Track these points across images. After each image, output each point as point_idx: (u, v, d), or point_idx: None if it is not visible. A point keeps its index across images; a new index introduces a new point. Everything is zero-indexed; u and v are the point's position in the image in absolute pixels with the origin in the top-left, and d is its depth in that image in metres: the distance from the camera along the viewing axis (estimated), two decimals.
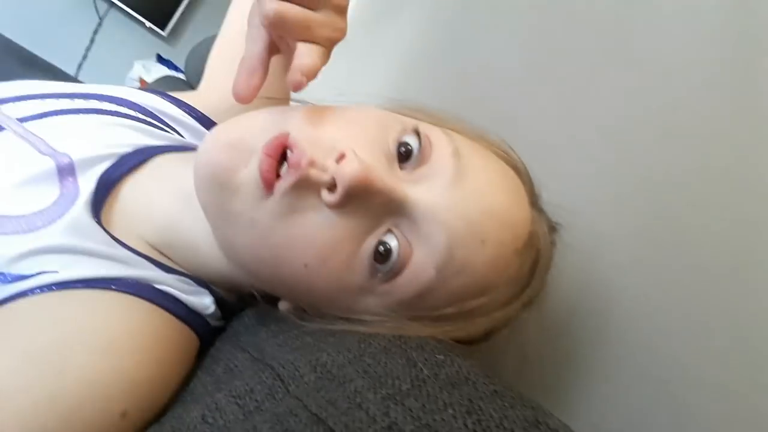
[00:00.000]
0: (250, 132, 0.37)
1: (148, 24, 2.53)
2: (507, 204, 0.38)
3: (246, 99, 0.36)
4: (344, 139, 0.36)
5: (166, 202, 0.44)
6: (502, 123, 0.45)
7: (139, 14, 2.50)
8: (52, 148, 0.43)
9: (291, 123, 0.37)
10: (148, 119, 0.51)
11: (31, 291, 0.36)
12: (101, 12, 2.50)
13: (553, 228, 0.43)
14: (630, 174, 0.50)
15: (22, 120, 0.44)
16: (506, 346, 0.43)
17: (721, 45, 0.47)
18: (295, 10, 0.33)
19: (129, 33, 2.58)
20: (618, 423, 0.43)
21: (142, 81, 2.34)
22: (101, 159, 0.44)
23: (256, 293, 0.43)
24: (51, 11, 2.41)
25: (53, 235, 0.39)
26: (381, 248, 0.36)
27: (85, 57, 2.49)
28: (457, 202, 0.36)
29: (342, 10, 0.36)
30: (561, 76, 0.63)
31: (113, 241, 0.41)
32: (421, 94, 0.46)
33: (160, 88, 0.81)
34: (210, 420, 0.31)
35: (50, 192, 0.41)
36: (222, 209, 0.38)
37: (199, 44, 1.79)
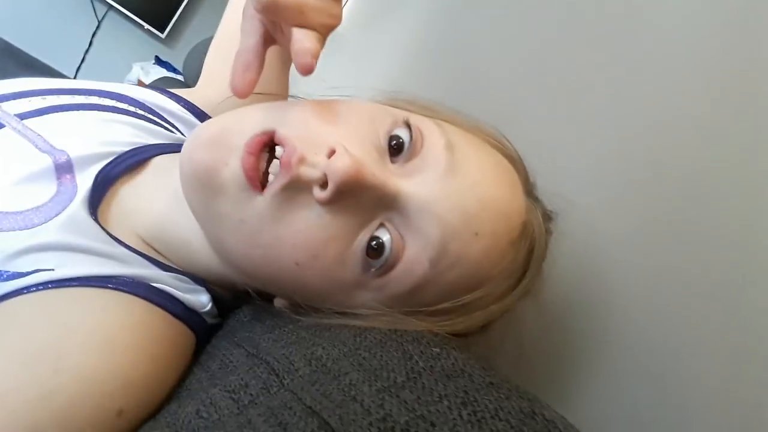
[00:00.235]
0: (231, 129, 0.37)
1: (146, 26, 2.54)
2: (501, 195, 0.38)
3: (243, 93, 0.35)
4: (334, 134, 0.36)
5: (161, 201, 0.44)
6: (502, 116, 0.45)
7: (138, 16, 2.51)
8: (50, 145, 0.43)
9: (277, 119, 0.37)
10: (148, 115, 0.51)
11: (27, 289, 0.36)
12: (100, 15, 2.51)
13: (548, 216, 0.42)
14: (630, 165, 0.50)
15: (21, 116, 0.44)
16: (503, 338, 0.42)
17: (722, 40, 0.46)
18: None
19: (127, 35, 2.58)
20: (616, 416, 0.43)
21: (140, 83, 2.35)
22: (99, 157, 0.44)
23: (250, 291, 0.43)
24: (50, 14, 2.41)
25: (50, 232, 0.38)
26: (374, 243, 0.36)
27: (83, 59, 2.50)
28: (450, 195, 0.35)
29: None
30: (560, 70, 0.63)
31: (110, 238, 0.41)
32: (420, 89, 0.46)
33: None
34: (204, 414, 0.31)
35: (47, 189, 0.41)
36: (209, 210, 0.38)
37: (197, 46, 1.79)
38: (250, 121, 0.37)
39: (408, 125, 0.38)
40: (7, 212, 0.38)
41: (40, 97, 0.47)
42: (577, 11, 0.64)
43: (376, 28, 1.20)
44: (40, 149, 0.42)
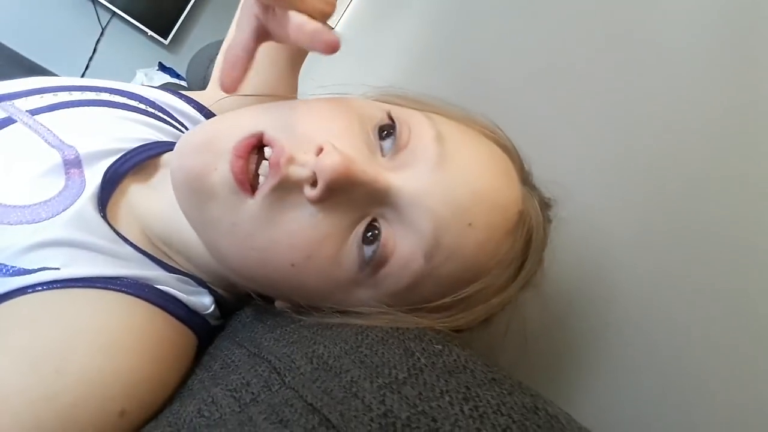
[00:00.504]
0: (220, 134, 0.37)
1: (150, 33, 2.55)
2: (495, 185, 0.37)
3: (230, 89, 0.35)
4: (322, 132, 0.36)
5: (166, 202, 0.44)
6: (505, 114, 0.45)
7: (141, 23, 2.52)
8: (60, 140, 0.43)
9: (266, 121, 0.37)
10: (158, 113, 0.52)
11: (31, 288, 0.36)
12: (103, 21, 2.53)
13: (546, 204, 0.42)
14: (632, 158, 0.50)
15: (33, 112, 0.44)
16: (506, 334, 0.42)
17: (723, 35, 0.46)
18: None
19: (131, 42, 2.60)
20: (619, 413, 0.43)
21: None
22: (108, 153, 0.44)
23: (252, 293, 0.43)
24: (54, 22, 2.43)
25: (57, 227, 0.38)
26: (369, 234, 0.35)
27: (88, 66, 2.52)
28: (441, 186, 0.35)
29: None
30: (563, 68, 0.63)
31: (117, 237, 0.41)
32: (422, 89, 0.46)
33: None
34: (206, 413, 0.31)
35: (56, 184, 0.41)
36: (201, 215, 0.38)
37: (199, 51, 1.80)
38: (239, 124, 0.37)
39: (391, 118, 0.38)
40: (15, 206, 0.38)
41: (51, 93, 0.47)
42: (580, 8, 0.64)
43: (379, 29, 1.21)
44: (50, 144, 0.42)
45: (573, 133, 0.58)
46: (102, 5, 2.45)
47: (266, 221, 0.35)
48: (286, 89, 0.59)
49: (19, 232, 0.37)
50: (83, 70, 2.51)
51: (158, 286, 0.40)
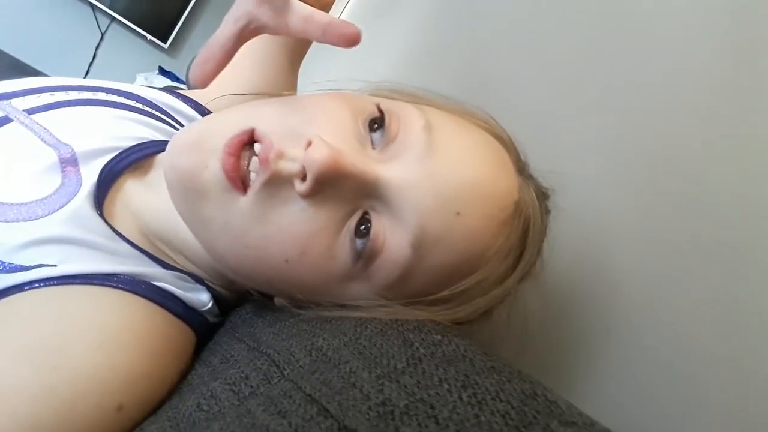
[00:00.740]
0: (211, 132, 0.37)
1: (149, 37, 2.56)
2: (487, 174, 0.37)
3: (200, 85, 0.35)
4: (311, 126, 0.36)
5: (162, 201, 0.44)
6: (506, 112, 0.44)
7: (141, 28, 2.53)
8: (56, 139, 0.43)
9: (256, 117, 0.37)
10: (155, 113, 0.52)
11: (29, 284, 0.36)
12: (103, 27, 2.54)
13: (544, 194, 0.42)
14: (634, 150, 0.50)
15: (29, 111, 0.44)
16: (507, 324, 0.42)
17: (727, 36, 0.46)
18: None
19: (131, 46, 2.61)
20: (623, 403, 0.43)
21: None
22: (105, 151, 0.44)
23: (251, 290, 0.43)
24: (53, 28, 2.44)
25: (54, 224, 0.39)
26: (362, 227, 0.35)
27: (88, 72, 2.53)
28: (427, 176, 0.35)
29: None
30: (563, 65, 0.63)
31: (114, 234, 0.41)
32: (421, 85, 0.46)
33: None
34: (205, 407, 0.31)
35: (52, 182, 0.41)
36: (195, 214, 0.38)
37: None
38: (229, 121, 0.37)
39: (380, 110, 0.37)
40: (11, 203, 0.39)
41: (48, 93, 0.47)
42: (579, 4, 0.64)
43: (378, 26, 1.21)
44: (46, 143, 0.42)
45: (573, 127, 0.58)
46: (101, 10, 2.46)
47: (258, 218, 0.35)
48: (286, 86, 0.59)
49: (15, 230, 0.37)
50: (83, 76, 2.52)
51: (155, 283, 0.40)
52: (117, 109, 0.48)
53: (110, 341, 0.35)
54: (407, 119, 0.37)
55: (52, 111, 0.45)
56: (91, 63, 2.53)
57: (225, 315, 0.46)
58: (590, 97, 0.57)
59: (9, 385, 0.31)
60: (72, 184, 0.41)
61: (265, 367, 0.33)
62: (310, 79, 0.43)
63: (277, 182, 0.34)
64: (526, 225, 0.38)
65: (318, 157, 0.33)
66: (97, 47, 2.54)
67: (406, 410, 0.24)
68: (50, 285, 0.36)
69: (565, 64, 0.62)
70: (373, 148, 0.37)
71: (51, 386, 0.31)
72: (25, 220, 0.38)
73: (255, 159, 0.36)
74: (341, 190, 0.35)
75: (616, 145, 0.52)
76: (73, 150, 0.43)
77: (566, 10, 0.65)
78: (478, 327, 0.40)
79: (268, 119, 0.36)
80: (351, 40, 0.32)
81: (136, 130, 0.48)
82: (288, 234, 0.35)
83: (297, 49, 0.59)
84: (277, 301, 0.43)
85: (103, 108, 0.48)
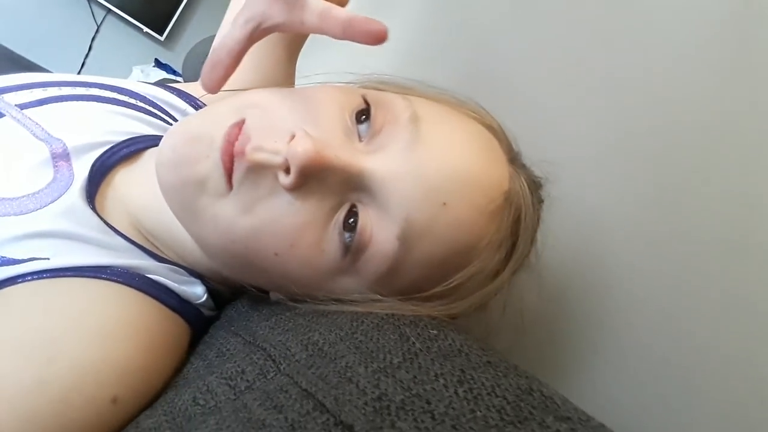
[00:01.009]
0: (208, 124, 0.37)
1: (145, 29, 2.54)
2: (475, 164, 0.36)
3: (210, 90, 0.35)
4: (296, 119, 0.36)
5: (154, 196, 0.43)
6: (507, 111, 0.44)
7: (137, 20, 2.51)
8: (48, 134, 0.43)
9: (248, 110, 0.36)
10: (148, 108, 0.51)
11: (22, 278, 0.36)
12: (98, 19, 2.52)
13: (536, 184, 0.41)
14: (629, 138, 0.50)
15: (22, 107, 0.44)
16: (502, 316, 0.42)
17: (728, 36, 0.46)
18: None
19: (127, 39, 2.59)
20: (618, 398, 0.43)
21: None
22: (96, 146, 0.44)
23: (245, 284, 0.43)
24: (49, 20, 2.42)
25: (46, 219, 0.38)
26: (350, 220, 0.35)
27: (83, 64, 2.51)
28: (412, 167, 0.34)
29: None
30: (564, 63, 0.62)
31: (107, 227, 0.41)
32: (417, 77, 0.45)
33: None
34: (201, 401, 0.31)
35: (44, 176, 0.41)
36: (183, 208, 0.38)
37: (195, 46, 1.79)
38: (224, 112, 0.37)
39: (366, 102, 0.37)
40: (3, 198, 0.39)
41: (41, 88, 0.47)
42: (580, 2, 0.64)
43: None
44: (38, 138, 0.42)
45: (569, 117, 0.58)
46: (97, 2, 2.44)
47: (245, 211, 0.35)
48: (283, 77, 0.58)
49: (6, 224, 0.37)
50: (79, 68, 2.50)
51: (149, 276, 0.40)
52: (109, 104, 0.48)
53: (104, 333, 0.35)
54: (394, 110, 0.37)
55: (44, 106, 0.45)
56: (86, 55, 2.51)
57: (221, 309, 0.46)
58: (585, 86, 0.57)
59: (5, 378, 0.31)
60: (64, 179, 0.41)
61: (261, 362, 0.33)
62: (301, 72, 0.43)
63: (260, 174, 0.34)
64: (518, 215, 0.38)
65: (300, 150, 0.32)
66: (93, 39, 2.52)
67: (402, 405, 0.24)
68: (44, 278, 0.36)
69: (561, 55, 0.62)
70: (360, 141, 0.37)
71: (46, 379, 0.31)
72: (16, 215, 0.38)
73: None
74: (327, 182, 0.34)
75: (612, 134, 0.52)
76: (65, 144, 0.43)
77: (561, 2, 0.65)
78: (474, 320, 0.40)
79: (258, 112, 0.36)
80: (378, 37, 0.31)
81: (129, 124, 0.48)
82: (276, 226, 0.35)
83: (295, 40, 0.59)
84: (273, 295, 0.43)
85: (95, 103, 0.48)
